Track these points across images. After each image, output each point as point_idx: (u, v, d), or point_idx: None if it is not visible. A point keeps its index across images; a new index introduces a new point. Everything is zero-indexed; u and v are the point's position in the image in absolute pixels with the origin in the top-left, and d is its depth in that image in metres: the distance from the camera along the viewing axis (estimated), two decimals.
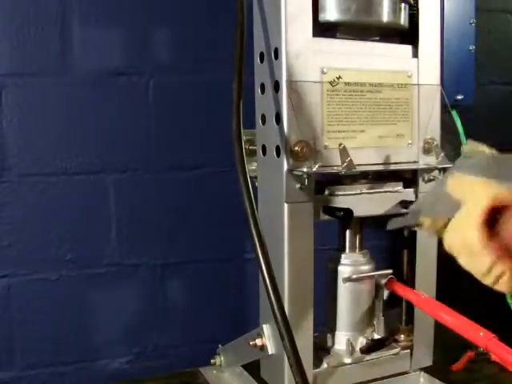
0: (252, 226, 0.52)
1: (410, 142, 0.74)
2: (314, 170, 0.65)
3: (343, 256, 0.76)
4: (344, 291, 0.76)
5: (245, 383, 0.84)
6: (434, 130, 0.76)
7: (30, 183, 0.92)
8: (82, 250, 0.95)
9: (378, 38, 0.74)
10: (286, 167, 0.66)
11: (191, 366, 0.94)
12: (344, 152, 0.65)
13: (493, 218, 0.42)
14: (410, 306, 0.76)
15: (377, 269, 0.76)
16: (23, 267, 0.93)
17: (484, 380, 0.88)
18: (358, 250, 0.76)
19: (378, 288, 0.76)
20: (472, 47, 0.82)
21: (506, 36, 1.22)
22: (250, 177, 0.57)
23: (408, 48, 0.74)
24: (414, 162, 0.75)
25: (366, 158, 0.71)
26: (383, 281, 0.74)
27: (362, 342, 0.76)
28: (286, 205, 0.67)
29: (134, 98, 0.96)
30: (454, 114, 0.84)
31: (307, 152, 0.66)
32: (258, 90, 0.73)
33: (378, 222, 0.69)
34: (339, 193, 0.71)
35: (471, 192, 0.44)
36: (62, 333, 0.95)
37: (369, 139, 0.71)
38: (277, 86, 0.67)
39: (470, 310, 0.63)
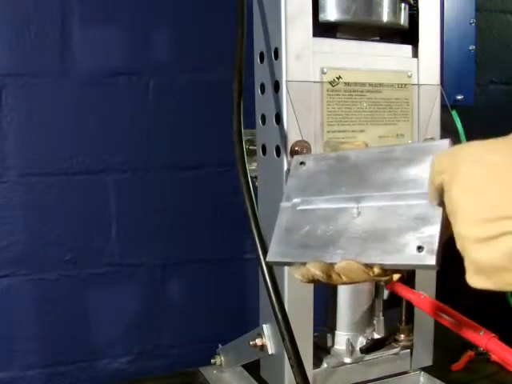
0: (253, 225, 0.52)
1: (409, 141, 0.74)
2: None
3: None
4: (344, 291, 0.76)
5: (245, 383, 0.84)
6: (433, 129, 0.76)
7: (30, 183, 0.91)
8: (82, 250, 0.95)
9: (378, 38, 0.74)
10: (286, 167, 0.66)
11: (191, 366, 0.94)
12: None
13: None
14: (410, 306, 0.76)
15: None
16: (23, 267, 0.92)
17: (484, 380, 0.88)
18: None
19: (377, 288, 0.76)
20: (472, 47, 0.82)
21: (506, 36, 1.22)
22: (250, 177, 0.57)
23: (408, 48, 0.74)
24: None
25: None
26: None
27: (361, 341, 0.76)
28: None
29: (134, 98, 0.96)
30: (454, 114, 0.84)
31: (307, 152, 0.66)
32: (257, 90, 0.72)
33: None
34: None
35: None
36: (61, 333, 0.95)
37: (369, 139, 0.71)
38: (277, 86, 0.67)
39: (470, 310, 0.63)
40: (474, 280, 0.34)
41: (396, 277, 0.42)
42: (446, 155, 0.37)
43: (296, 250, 0.45)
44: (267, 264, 0.50)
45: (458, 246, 0.35)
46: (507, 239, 0.32)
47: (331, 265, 0.42)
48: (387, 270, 0.40)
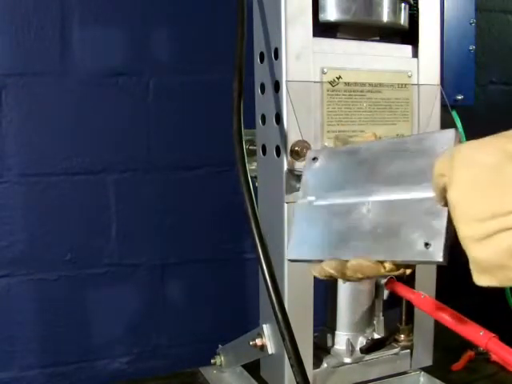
0: (253, 225, 0.52)
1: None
2: None
3: None
4: (344, 291, 0.76)
5: (245, 383, 0.84)
6: (433, 130, 0.76)
7: (30, 183, 0.91)
8: (82, 250, 0.95)
9: (378, 38, 0.74)
10: (285, 167, 0.66)
11: (191, 366, 0.94)
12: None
13: None
14: (410, 306, 0.76)
15: None
16: (23, 267, 0.92)
17: (484, 380, 0.88)
18: None
19: (378, 288, 0.76)
20: (472, 47, 0.82)
21: (506, 36, 1.22)
22: (250, 177, 0.56)
23: (408, 48, 0.74)
24: None
25: None
26: (383, 281, 0.74)
27: (361, 341, 0.76)
28: (285, 205, 0.67)
29: (134, 98, 0.96)
30: (454, 114, 0.84)
31: (307, 152, 0.66)
32: (257, 90, 0.72)
33: None
34: None
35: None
36: (62, 333, 0.95)
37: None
38: (277, 86, 0.67)
39: (470, 310, 0.63)
40: (480, 279, 0.35)
41: (409, 271, 0.44)
42: (445, 158, 0.38)
43: (313, 248, 0.48)
44: (268, 263, 0.50)
45: (463, 247, 0.36)
46: (504, 235, 0.33)
47: (344, 262, 0.44)
48: (399, 265, 0.42)
